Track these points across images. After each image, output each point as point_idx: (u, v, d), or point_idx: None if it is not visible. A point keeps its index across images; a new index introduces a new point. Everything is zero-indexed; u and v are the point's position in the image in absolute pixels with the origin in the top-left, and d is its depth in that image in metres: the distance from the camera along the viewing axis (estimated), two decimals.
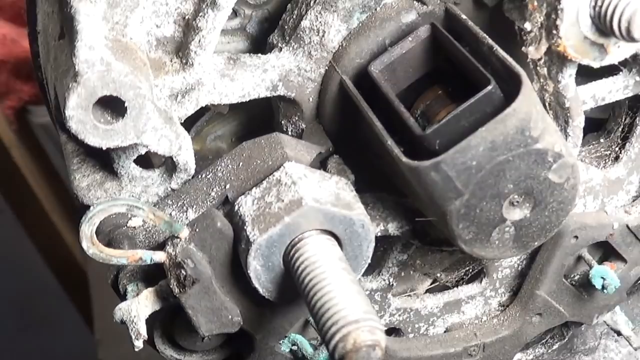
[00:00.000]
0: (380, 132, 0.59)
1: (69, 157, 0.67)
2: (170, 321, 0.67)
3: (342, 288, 0.54)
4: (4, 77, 1.89)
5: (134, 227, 0.64)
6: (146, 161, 0.66)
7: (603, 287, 0.71)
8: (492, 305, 0.76)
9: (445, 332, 0.75)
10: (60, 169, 2.10)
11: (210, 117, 0.77)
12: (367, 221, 0.59)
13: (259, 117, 0.76)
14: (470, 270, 0.74)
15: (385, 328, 0.74)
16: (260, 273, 0.59)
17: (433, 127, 0.58)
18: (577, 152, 0.68)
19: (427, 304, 0.74)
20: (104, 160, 0.65)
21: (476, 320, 0.76)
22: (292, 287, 0.60)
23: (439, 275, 0.74)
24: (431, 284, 0.76)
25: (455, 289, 0.75)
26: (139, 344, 0.61)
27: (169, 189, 0.65)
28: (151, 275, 0.64)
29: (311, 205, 0.57)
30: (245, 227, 0.58)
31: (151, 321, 0.64)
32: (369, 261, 0.61)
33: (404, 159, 0.57)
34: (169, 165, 0.65)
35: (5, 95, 1.93)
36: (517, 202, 0.59)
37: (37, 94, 1.91)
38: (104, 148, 0.57)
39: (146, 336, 0.60)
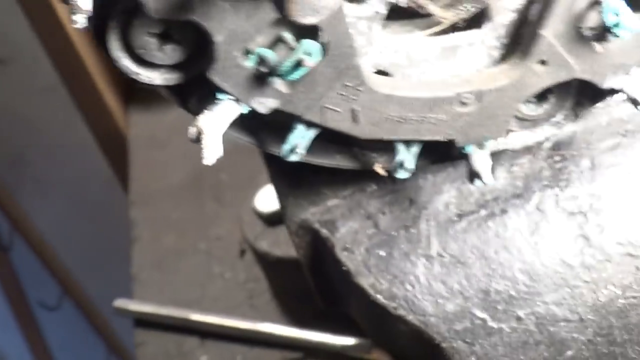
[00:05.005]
0: None
1: None
2: (128, 23, 0.61)
3: None
4: None
5: None
6: None
7: (615, 26, 0.62)
8: (494, 57, 0.69)
9: None
10: None
11: None
12: None
13: None
14: (471, 8, 0.66)
15: (373, 70, 0.67)
16: None
17: None
18: None
19: (421, 47, 0.67)
20: None
21: (474, 72, 0.68)
22: None
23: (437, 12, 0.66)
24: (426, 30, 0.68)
25: (453, 34, 0.68)
26: (79, 20, 0.55)
27: None
28: None
29: None
30: None
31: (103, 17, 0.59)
32: None
33: None
34: None
35: None
36: None
37: None
38: None
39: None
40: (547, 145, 0.80)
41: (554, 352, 0.78)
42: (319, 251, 0.82)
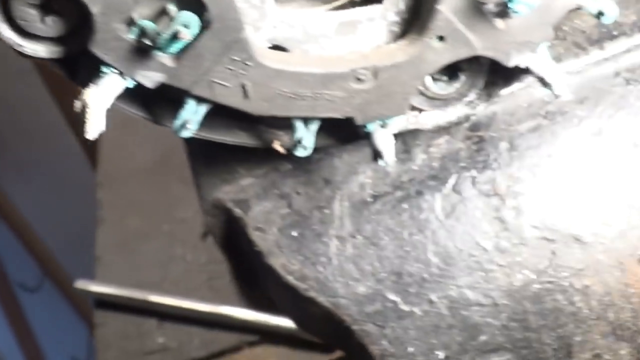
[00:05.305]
0: None
1: None
2: None
3: None
4: None
5: None
6: None
7: (511, 1, 0.61)
8: (395, 33, 0.67)
9: None
10: None
11: None
12: None
13: None
14: None
15: (268, 45, 0.65)
16: None
17: None
18: None
19: (319, 21, 0.65)
20: None
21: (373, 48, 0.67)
22: None
23: None
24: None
25: (353, 9, 0.66)
26: None
27: None
28: None
29: None
30: None
31: None
32: None
33: None
34: None
35: None
36: None
37: None
38: None
39: None
40: (466, 125, 0.78)
41: (467, 337, 0.77)
42: (233, 232, 0.80)
